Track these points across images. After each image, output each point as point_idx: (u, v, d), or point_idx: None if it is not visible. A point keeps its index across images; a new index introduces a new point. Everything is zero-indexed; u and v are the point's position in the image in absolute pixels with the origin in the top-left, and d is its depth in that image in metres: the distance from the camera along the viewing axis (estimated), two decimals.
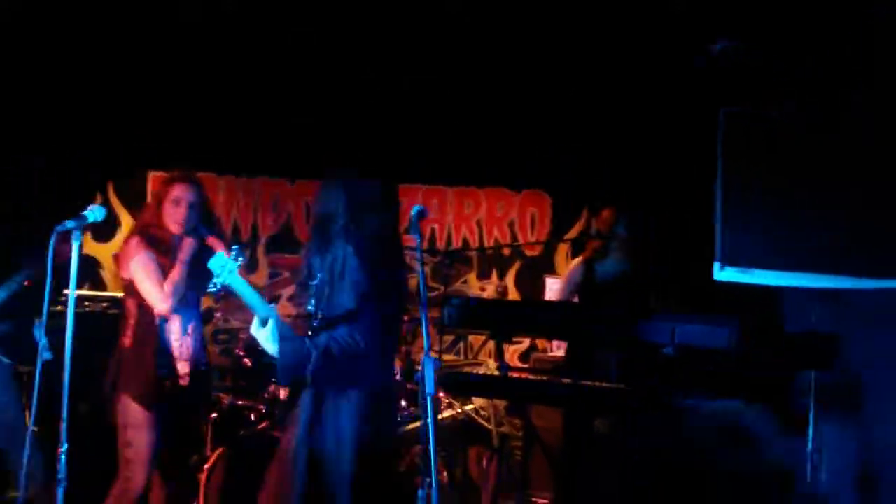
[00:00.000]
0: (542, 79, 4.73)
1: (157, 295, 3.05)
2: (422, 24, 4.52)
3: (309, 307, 2.73)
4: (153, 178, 5.32)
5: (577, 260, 3.98)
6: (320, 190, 2.90)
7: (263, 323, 2.60)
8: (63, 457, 2.29)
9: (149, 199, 3.25)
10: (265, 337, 2.59)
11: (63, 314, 3.72)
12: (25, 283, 3.34)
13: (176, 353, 3.15)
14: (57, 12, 4.44)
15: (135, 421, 3.03)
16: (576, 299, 3.84)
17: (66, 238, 2.63)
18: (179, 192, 3.15)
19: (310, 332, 2.68)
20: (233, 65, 4.82)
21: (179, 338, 3.17)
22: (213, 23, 4.60)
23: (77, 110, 4.93)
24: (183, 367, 3.16)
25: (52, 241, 2.33)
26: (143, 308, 3.11)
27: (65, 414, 2.29)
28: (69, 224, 2.40)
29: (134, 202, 5.27)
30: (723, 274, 3.06)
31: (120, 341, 3.14)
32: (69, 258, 2.53)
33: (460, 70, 4.79)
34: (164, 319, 3.12)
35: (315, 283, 2.70)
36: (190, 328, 3.20)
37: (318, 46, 4.71)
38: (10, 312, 3.42)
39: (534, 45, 4.54)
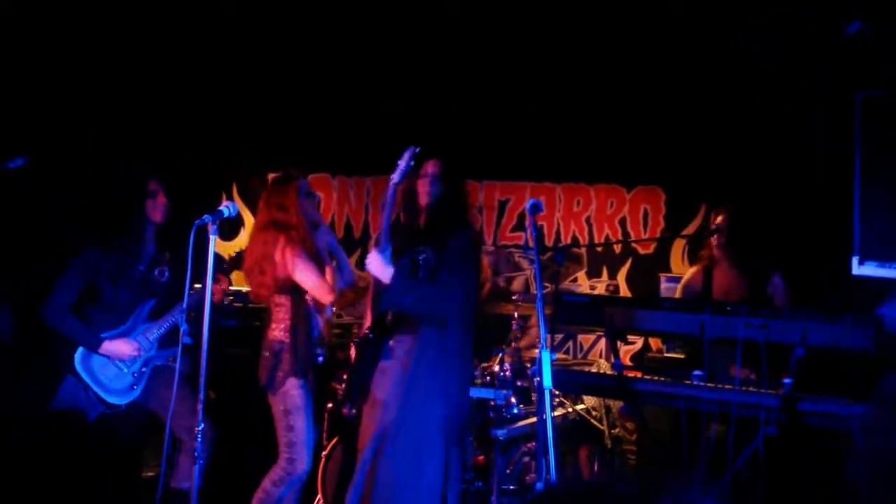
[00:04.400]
0: (654, 71, 4.59)
1: (325, 287, 3.26)
2: (528, 22, 4.50)
3: None
4: (272, 179, 5.59)
5: (694, 268, 3.81)
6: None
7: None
8: (199, 436, 2.44)
9: (270, 204, 3.36)
10: (380, 260, 2.86)
11: (195, 308, 3.97)
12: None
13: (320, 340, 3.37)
14: (193, 33, 4.75)
15: (295, 406, 3.22)
16: None
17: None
18: (303, 185, 3.33)
19: None
20: (344, 75, 5.00)
21: (321, 326, 3.38)
22: (322, 39, 4.80)
23: (203, 117, 5.25)
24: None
25: (191, 235, 2.48)
26: (297, 301, 3.29)
27: (202, 395, 2.44)
28: (207, 218, 2.55)
29: (254, 202, 5.56)
30: (862, 269, 2.84)
31: (269, 334, 3.31)
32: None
33: (568, 65, 4.72)
34: (316, 310, 3.33)
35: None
36: (323, 318, 3.40)
37: (420, 48, 4.79)
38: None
39: (645, 35, 4.41)
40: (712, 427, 3.14)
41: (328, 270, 3.35)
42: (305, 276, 3.24)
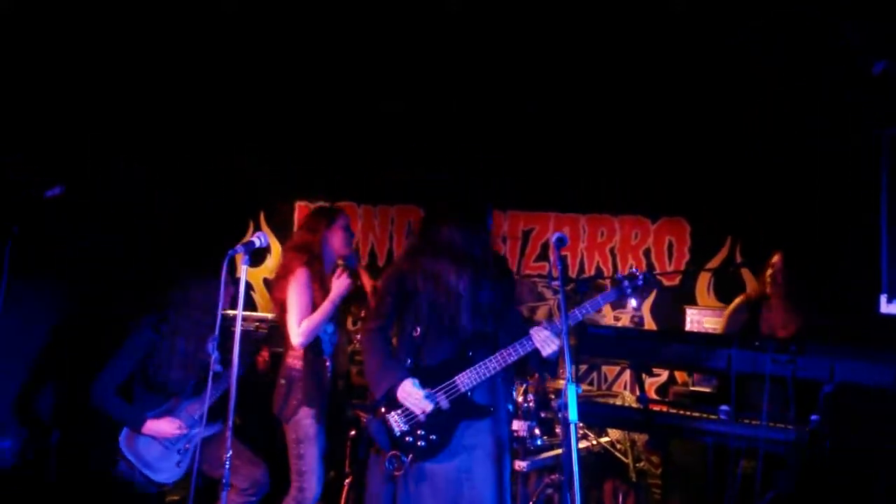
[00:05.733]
0: (682, 102, 4.61)
1: (295, 329, 3.23)
2: (550, 51, 4.55)
3: None
4: (300, 207, 5.70)
5: (738, 299, 3.84)
6: None
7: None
8: (228, 462, 2.47)
9: (306, 227, 3.44)
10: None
11: (225, 335, 4.05)
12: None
13: (336, 369, 3.38)
14: (224, 65, 4.88)
15: (307, 435, 3.23)
16: None
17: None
18: (345, 222, 3.39)
19: None
20: (371, 106, 5.09)
21: (336, 355, 3.39)
22: (351, 71, 4.90)
23: (232, 147, 5.37)
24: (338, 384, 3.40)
25: (224, 264, 2.54)
26: None
27: (230, 423, 2.48)
28: (239, 249, 2.61)
29: (282, 229, 5.66)
30: (890, 307, 2.82)
31: (285, 362, 3.35)
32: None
33: (595, 96, 4.76)
34: (333, 339, 3.35)
35: None
36: (339, 346, 3.41)
37: (447, 79, 4.85)
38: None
39: (673, 68, 4.43)
40: (739, 463, 3.11)
41: (320, 314, 3.27)
42: (290, 304, 3.24)
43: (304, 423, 3.26)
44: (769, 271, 3.68)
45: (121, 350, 3.37)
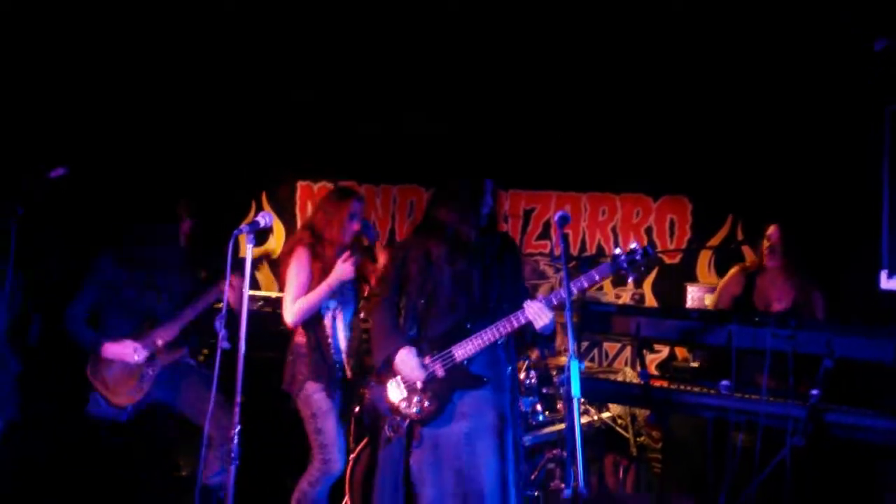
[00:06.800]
0: (682, 80, 4.60)
1: (289, 307, 3.28)
2: (558, 30, 4.54)
3: None
4: (302, 187, 5.70)
5: (734, 270, 3.85)
6: None
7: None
8: (236, 438, 2.51)
9: (319, 206, 3.47)
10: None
11: (228, 312, 4.07)
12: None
13: (343, 348, 3.40)
14: (226, 47, 4.86)
15: (320, 409, 3.29)
16: None
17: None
18: (356, 207, 3.39)
19: None
20: (371, 85, 5.08)
21: (345, 334, 3.42)
22: (350, 51, 4.88)
23: (234, 127, 5.36)
24: (348, 362, 3.42)
25: (230, 244, 2.55)
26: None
27: (238, 398, 2.52)
28: (244, 228, 2.62)
29: (284, 209, 5.68)
30: (891, 283, 2.84)
31: (294, 338, 3.39)
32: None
33: (596, 74, 4.75)
34: (334, 317, 3.38)
35: None
36: (351, 324, 3.45)
37: (446, 61, 4.84)
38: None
39: (675, 47, 4.43)
40: (739, 437, 3.16)
41: (315, 295, 3.29)
42: (288, 281, 3.29)
43: (314, 398, 3.30)
44: (766, 243, 3.69)
45: (84, 282, 3.53)
